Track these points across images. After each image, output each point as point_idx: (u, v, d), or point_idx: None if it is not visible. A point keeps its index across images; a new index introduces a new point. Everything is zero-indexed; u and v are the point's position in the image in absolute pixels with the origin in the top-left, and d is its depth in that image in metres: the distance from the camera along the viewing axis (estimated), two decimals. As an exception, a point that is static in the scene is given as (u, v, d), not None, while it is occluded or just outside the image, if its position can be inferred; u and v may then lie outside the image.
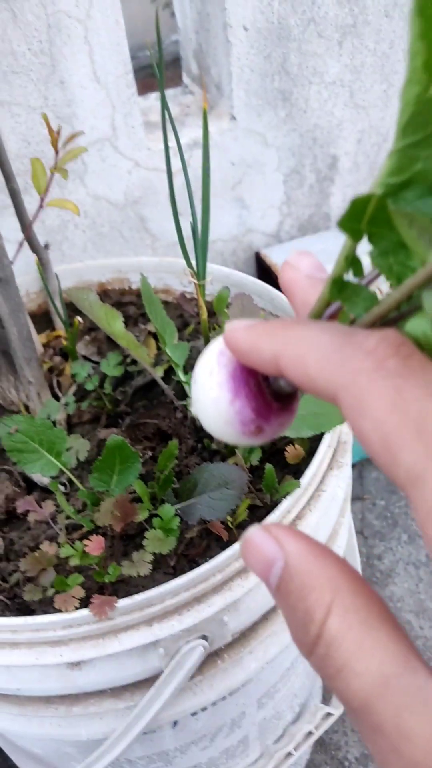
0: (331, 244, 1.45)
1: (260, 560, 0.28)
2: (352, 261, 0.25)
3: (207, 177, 0.75)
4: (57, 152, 0.78)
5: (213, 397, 0.30)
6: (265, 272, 1.44)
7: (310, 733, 0.90)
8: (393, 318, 0.25)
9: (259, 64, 1.23)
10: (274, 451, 0.75)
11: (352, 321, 0.26)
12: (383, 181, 0.22)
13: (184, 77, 1.47)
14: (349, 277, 0.26)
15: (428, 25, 0.19)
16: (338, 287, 0.25)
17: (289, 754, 0.88)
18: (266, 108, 1.29)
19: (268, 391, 0.31)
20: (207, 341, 0.85)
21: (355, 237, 0.24)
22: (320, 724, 0.90)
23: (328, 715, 0.92)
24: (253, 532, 0.28)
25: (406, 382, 0.22)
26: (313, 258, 0.31)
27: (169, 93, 1.46)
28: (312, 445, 0.72)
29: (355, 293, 0.25)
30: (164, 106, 0.64)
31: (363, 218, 0.23)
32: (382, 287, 0.26)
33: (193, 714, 0.69)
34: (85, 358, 0.91)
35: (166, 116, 0.65)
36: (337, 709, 0.91)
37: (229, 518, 0.66)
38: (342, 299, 0.26)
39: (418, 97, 0.20)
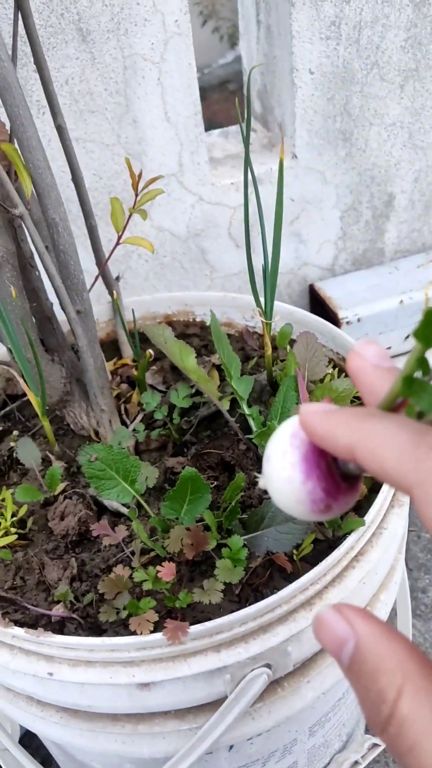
0: (384, 279, 1.48)
1: (332, 639, 0.30)
2: (421, 362, 0.28)
3: (279, 221, 0.79)
4: (137, 195, 0.83)
5: (286, 476, 0.33)
6: (318, 304, 1.47)
7: (356, 763, 0.91)
8: None
9: (322, 105, 1.27)
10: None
11: (419, 413, 0.29)
12: None
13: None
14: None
15: None
16: (408, 384, 0.29)
17: (336, 784, 0.89)
18: (327, 147, 1.33)
19: (337, 473, 0.34)
20: (270, 376, 0.89)
21: (427, 344, 0.27)
22: (366, 755, 0.92)
23: (375, 745, 0.93)
24: (326, 611, 0.31)
25: None
26: (378, 347, 0.34)
27: (231, 130, 1.51)
28: (374, 482, 0.75)
29: (422, 389, 0.28)
30: (248, 162, 0.69)
31: None
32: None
33: (249, 739, 0.72)
34: (152, 387, 0.95)
35: (248, 170, 0.69)
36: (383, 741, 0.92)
37: (293, 551, 0.69)
38: (411, 394, 0.29)
39: None
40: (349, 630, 0.30)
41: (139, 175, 0.82)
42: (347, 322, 1.36)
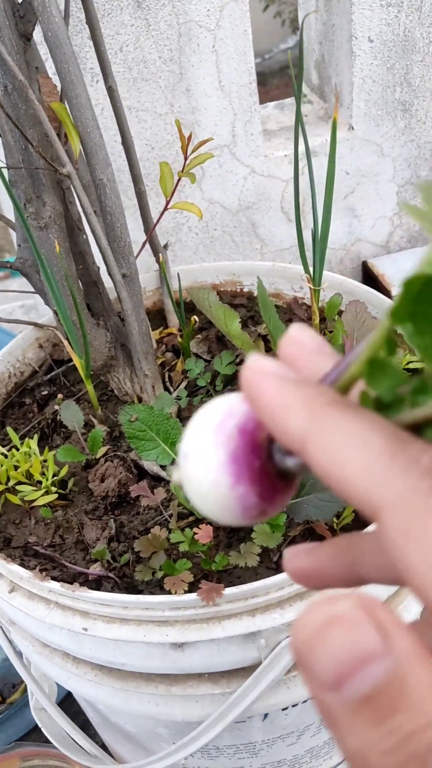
0: (441, 257, 1.44)
1: (346, 647, 0.19)
2: (388, 342, 0.23)
3: (331, 186, 0.77)
4: (186, 157, 0.82)
5: (210, 480, 0.26)
6: (371, 282, 1.44)
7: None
8: None
9: (381, 75, 1.24)
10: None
11: (376, 399, 0.24)
12: None
13: (303, 86, 1.49)
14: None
15: None
16: (370, 366, 0.23)
17: (372, 764, 0.88)
18: (385, 118, 1.29)
19: (272, 470, 0.27)
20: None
21: (400, 322, 0.22)
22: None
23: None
24: (346, 605, 0.20)
25: None
26: (314, 333, 0.28)
27: (287, 102, 1.48)
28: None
29: (383, 371, 0.23)
30: (299, 118, 0.67)
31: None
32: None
33: (284, 709, 0.71)
34: (196, 355, 0.94)
35: (299, 128, 0.67)
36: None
37: (334, 519, 0.67)
38: (371, 376, 0.24)
39: None
40: (382, 643, 0.19)
41: (189, 138, 0.81)
42: (400, 300, 1.33)
